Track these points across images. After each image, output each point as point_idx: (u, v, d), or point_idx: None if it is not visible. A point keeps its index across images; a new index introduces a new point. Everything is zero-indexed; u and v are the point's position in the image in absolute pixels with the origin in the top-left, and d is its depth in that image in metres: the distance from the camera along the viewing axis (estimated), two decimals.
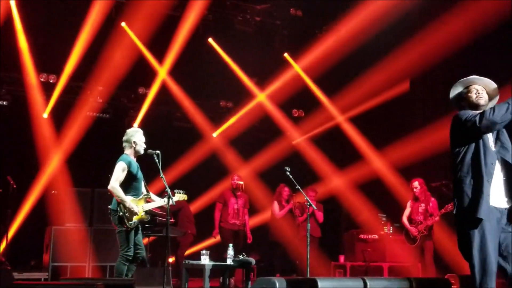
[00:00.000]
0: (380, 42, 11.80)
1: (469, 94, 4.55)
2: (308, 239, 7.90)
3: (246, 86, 13.77)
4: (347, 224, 12.47)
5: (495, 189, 4.25)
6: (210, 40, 13.40)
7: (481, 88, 4.55)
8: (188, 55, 12.69)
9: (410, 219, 9.40)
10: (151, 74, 12.81)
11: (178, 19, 12.37)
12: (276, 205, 10.46)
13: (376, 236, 10.81)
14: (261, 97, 13.73)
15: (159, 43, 12.48)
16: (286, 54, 13.80)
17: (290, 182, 8.12)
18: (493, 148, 4.35)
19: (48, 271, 9.37)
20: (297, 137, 14.09)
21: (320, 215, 10.50)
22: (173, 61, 12.67)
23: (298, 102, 14.13)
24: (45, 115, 11.86)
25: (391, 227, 10.68)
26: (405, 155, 11.54)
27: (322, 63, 12.89)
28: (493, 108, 4.20)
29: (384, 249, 10.60)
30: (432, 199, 9.36)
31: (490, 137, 4.38)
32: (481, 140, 4.31)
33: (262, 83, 13.80)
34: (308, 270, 7.79)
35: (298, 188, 8.17)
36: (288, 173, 8.04)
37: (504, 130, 4.41)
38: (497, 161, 4.31)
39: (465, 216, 4.24)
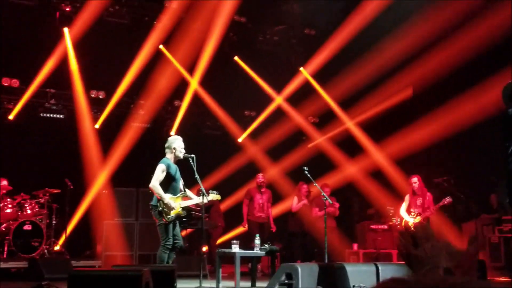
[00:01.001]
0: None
1: None
2: (326, 230, 7.87)
3: (267, 97, 13.76)
4: (358, 216, 12.38)
5: None
6: (236, 58, 13.43)
7: None
8: (216, 71, 12.75)
9: (408, 212, 9.28)
10: (185, 89, 12.88)
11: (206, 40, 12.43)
12: (295, 200, 10.44)
13: (386, 226, 10.74)
14: (278, 101, 13.73)
15: (191, 62, 12.56)
16: (301, 68, 13.76)
17: (308, 180, 8.12)
18: None
19: (101, 259, 9.44)
20: (313, 140, 14.04)
21: (335, 210, 10.45)
22: (203, 76, 12.78)
23: (312, 109, 14.02)
24: (97, 126, 12.01)
25: (398, 218, 10.57)
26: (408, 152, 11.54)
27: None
28: None
29: (392, 237, 10.51)
30: (428, 193, 9.20)
31: None
32: None
33: (281, 94, 13.76)
34: (326, 257, 7.76)
35: (315, 185, 8.16)
36: (306, 172, 8.01)
37: None
38: None
39: None
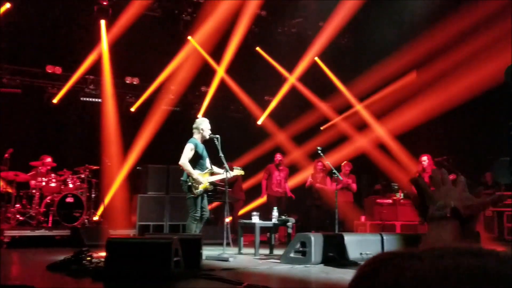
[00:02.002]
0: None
1: None
2: (336, 203, 7.83)
3: (284, 82, 13.68)
4: (367, 191, 12.30)
5: None
6: (258, 48, 13.33)
7: None
8: (240, 60, 12.67)
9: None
10: (211, 76, 12.86)
11: (231, 32, 12.35)
12: (310, 177, 10.42)
13: (390, 201, 10.65)
14: (292, 81, 13.60)
15: (218, 51, 12.52)
16: (316, 58, 13.62)
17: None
18: None
19: (135, 228, 9.53)
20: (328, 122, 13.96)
21: (354, 186, 10.43)
22: (228, 65, 12.72)
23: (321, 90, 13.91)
24: (133, 109, 12.09)
25: (402, 193, 10.49)
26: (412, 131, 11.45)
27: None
28: None
29: (396, 211, 10.44)
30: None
31: None
32: None
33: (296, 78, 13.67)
34: (337, 228, 7.73)
35: (328, 163, 8.11)
36: (320, 152, 7.95)
37: None
38: None
39: None
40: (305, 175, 11.30)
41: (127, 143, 11.41)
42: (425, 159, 9.14)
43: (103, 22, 11.39)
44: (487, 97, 9.14)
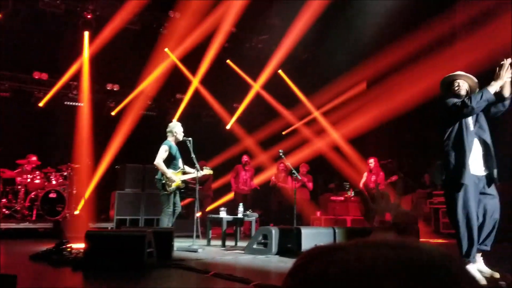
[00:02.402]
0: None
1: (453, 87, 4.28)
2: (295, 200, 7.88)
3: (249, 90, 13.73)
4: (322, 189, 12.45)
5: (474, 160, 4.04)
6: (228, 61, 13.33)
7: (462, 82, 4.27)
8: (212, 70, 12.65)
9: (365, 186, 9.36)
10: (185, 84, 12.78)
11: (205, 46, 12.33)
12: (273, 176, 10.48)
13: (342, 198, 10.80)
14: (256, 88, 13.65)
15: (192, 62, 12.46)
16: (280, 71, 13.72)
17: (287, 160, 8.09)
18: (472, 129, 4.11)
19: (113, 222, 9.37)
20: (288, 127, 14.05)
21: (310, 185, 10.51)
22: (202, 75, 12.69)
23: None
24: (113, 113, 11.89)
25: (352, 192, 10.66)
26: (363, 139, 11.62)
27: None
28: (470, 97, 3.99)
29: (347, 207, 10.59)
30: (381, 172, 9.31)
31: (470, 120, 4.13)
32: (463, 123, 4.08)
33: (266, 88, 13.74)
34: (295, 222, 7.78)
35: (288, 164, 8.16)
36: (281, 154, 8.00)
37: (482, 114, 4.17)
38: (476, 139, 4.09)
39: (452, 181, 4.03)
40: (268, 175, 11.34)
41: (107, 144, 11.23)
42: (371, 161, 9.31)
43: (86, 34, 11.19)
44: (426, 107, 9.39)
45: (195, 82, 12.73)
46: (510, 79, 3.99)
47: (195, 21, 11.95)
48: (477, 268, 3.94)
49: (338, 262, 0.50)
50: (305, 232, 6.50)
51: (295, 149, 12.38)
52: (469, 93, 4.23)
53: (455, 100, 4.12)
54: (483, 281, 3.69)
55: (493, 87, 3.97)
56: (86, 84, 11.39)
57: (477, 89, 4.28)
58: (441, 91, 4.43)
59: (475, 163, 4.04)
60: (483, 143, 4.09)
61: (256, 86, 13.53)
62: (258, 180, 11.65)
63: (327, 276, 0.50)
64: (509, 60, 3.99)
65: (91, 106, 11.58)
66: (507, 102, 4.08)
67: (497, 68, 4.02)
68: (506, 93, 4.01)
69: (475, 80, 4.33)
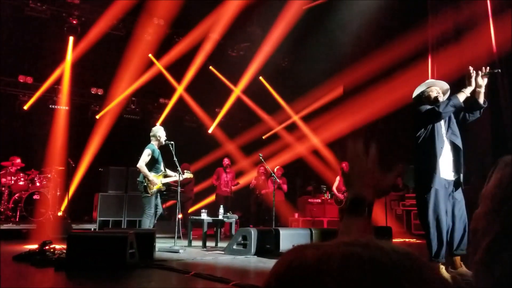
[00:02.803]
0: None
1: (431, 93, 4.30)
2: (274, 202, 7.93)
3: (232, 97, 13.75)
4: (300, 191, 12.52)
5: (445, 165, 4.09)
6: (211, 67, 13.34)
7: (434, 88, 4.34)
8: (196, 77, 12.64)
9: (337, 189, 9.42)
10: (169, 89, 12.74)
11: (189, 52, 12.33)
12: (253, 179, 10.48)
13: (319, 200, 10.89)
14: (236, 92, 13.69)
15: (176, 68, 12.43)
16: (261, 77, 13.79)
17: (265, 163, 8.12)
18: (444, 135, 4.16)
19: (96, 223, 9.27)
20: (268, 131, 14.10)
21: (285, 187, 10.53)
22: (185, 80, 12.66)
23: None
24: (97, 116, 11.77)
25: (329, 194, 10.74)
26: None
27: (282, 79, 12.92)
28: (439, 104, 4.06)
29: (324, 209, 10.69)
30: None
31: (443, 126, 4.19)
32: (435, 129, 4.13)
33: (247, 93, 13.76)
34: (274, 223, 7.83)
35: (267, 168, 8.20)
36: (261, 158, 8.04)
37: (454, 120, 4.23)
38: (448, 144, 4.14)
39: (423, 185, 4.08)
40: (249, 179, 11.34)
41: (91, 146, 11.10)
42: (344, 165, 9.36)
43: (71, 39, 11.07)
44: (399, 114, 9.54)
45: (179, 89, 12.70)
46: (483, 89, 4.06)
47: (180, 28, 11.98)
48: (460, 273, 3.98)
49: (310, 258, 0.53)
50: (283, 233, 6.54)
51: (275, 154, 12.43)
52: (441, 98, 4.31)
53: (428, 107, 4.20)
54: (450, 281, 3.74)
55: (462, 94, 4.06)
56: (65, 88, 11.20)
57: (447, 94, 4.37)
58: (414, 99, 4.48)
59: (445, 168, 4.10)
60: (454, 148, 4.16)
61: (237, 91, 13.58)
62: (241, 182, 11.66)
63: (302, 269, 0.52)
64: (482, 69, 4.06)
65: (75, 109, 11.46)
66: (481, 111, 4.17)
67: (466, 76, 4.10)
68: (481, 101, 4.10)
69: (446, 85, 4.41)
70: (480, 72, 4.05)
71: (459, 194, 4.14)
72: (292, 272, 0.53)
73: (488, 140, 8.33)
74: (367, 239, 0.55)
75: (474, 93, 4.12)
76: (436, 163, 4.03)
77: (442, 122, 4.19)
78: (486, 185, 0.89)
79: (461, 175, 4.14)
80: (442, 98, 4.30)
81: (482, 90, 4.07)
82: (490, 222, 0.82)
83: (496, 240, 0.79)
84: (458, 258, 4.07)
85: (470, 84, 4.06)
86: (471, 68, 4.08)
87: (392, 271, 0.50)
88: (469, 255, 0.94)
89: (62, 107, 11.30)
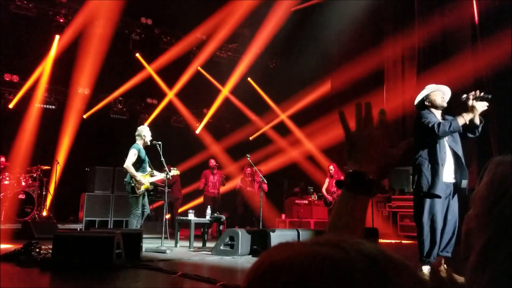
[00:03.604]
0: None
1: (435, 97, 4.29)
2: (262, 202, 7.95)
3: (221, 98, 13.76)
4: (287, 193, 12.54)
5: (446, 169, 4.12)
6: (199, 68, 13.32)
7: (443, 92, 4.34)
8: (183, 78, 12.65)
9: (326, 190, 9.47)
10: (156, 89, 12.69)
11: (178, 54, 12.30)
12: (240, 180, 10.48)
13: (306, 201, 10.93)
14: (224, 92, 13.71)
15: (165, 69, 12.40)
16: (249, 78, 13.84)
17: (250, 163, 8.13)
18: (445, 141, 4.18)
19: (82, 223, 9.19)
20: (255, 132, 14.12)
21: (265, 186, 10.52)
22: (175, 81, 12.67)
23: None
24: (85, 116, 11.68)
25: (316, 195, 10.81)
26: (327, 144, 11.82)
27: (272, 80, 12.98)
28: (439, 124, 4.03)
29: (311, 210, 10.73)
30: (342, 177, 9.41)
31: None
32: None
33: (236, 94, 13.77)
34: (261, 224, 7.84)
35: (255, 168, 8.22)
36: (248, 159, 8.06)
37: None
38: (448, 149, 4.17)
39: (423, 191, 4.09)
40: (236, 181, 11.31)
41: (77, 146, 11.01)
42: (331, 168, 9.40)
43: (57, 37, 10.97)
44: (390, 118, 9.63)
45: (170, 94, 12.68)
46: (482, 109, 4.02)
47: (168, 28, 11.96)
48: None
49: (286, 255, 0.53)
50: (271, 234, 6.56)
51: (264, 156, 12.42)
52: (445, 103, 4.31)
53: (429, 116, 4.18)
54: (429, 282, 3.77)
55: (462, 119, 4.04)
56: (42, 85, 11.02)
57: (449, 94, 4.36)
58: (416, 106, 4.46)
59: (446, 171, 4.14)
60: (455, 154, 4.20)
61: (225, 91, 13.59)
62: (227, 186, 11.64)
63: (277, 266, 0.53)
64: (473, 93, 4.05)
65: (60, 108, 11.34)
66: (479, 129, 4.19)
67: (468, 102, 4.04)
68: (477, 122, 4.10)
69: (448, 90, 4.40)
70: (471, 96, 4.02)
71: (455, 197, 4.18)
72: (261, 271, 0.54)
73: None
74: (339, 239, 0.55)
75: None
76: (438, 169, 4.07)
77: None
78: (478, 186, 0.88)
79: (464, 181, 4.15)
80: (446, 103, 4.30)
81: (477, 112, 4.05)
82: (482, 223, 0.81)
83: (490, 241, 0.78)
84: (441, 259, 4.12)
85: (472, 112, 4.02)
86: (471, 95, 4.05)
87: (349, 273, 0.50)
88: (459, 256, 0.94)
89: (48, 106, 11.18)
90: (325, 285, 0.49)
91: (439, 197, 4.05)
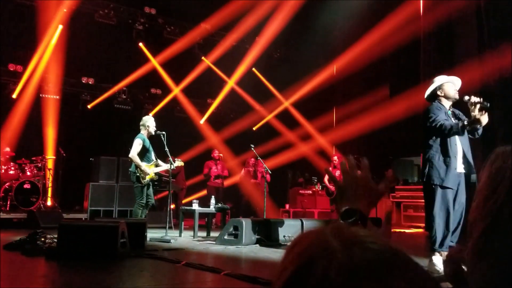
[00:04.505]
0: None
1: (448, 89, 4.26)
2: (266, 193, 7.95)
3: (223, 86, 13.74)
4: (291, 183, 12.55)
5: (456, 159, 4.11)
6: (203, 58, 13.26)
7: (454, 84, 4.30)
8: (187, 68, 12.57)
9: (329, 180, 9.44)
10: (160, 80, 12.66)
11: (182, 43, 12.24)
12: (243, 171, 10.48)
13: (310, 192, 10.93)
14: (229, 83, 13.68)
15: (170, 61, 12.35)
16: (253, 69, 13.78)
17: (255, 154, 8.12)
18: None
19: (87, 213, 9.23)
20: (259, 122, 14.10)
21: (268, 177, 10.53)
22: (178, 73, 12.64)
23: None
24: (89, 106, 11.67)
25: (320, 186, 10.80)
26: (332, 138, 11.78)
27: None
28: (445, 127, 4.00)
29: (315, 200, 10.74)
30: None
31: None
32: None
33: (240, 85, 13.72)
34: (265, 214, 7.86)
35: (259, 158, 8.22)
36: (253, 149, 8.05)
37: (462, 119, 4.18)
38: (459, 141, 4.14)
39: (435, 183, 4.06)
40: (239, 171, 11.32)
41: (81, 136, 11.03)
42: (335, 158, 9.38)
43: (60, 27, 10.93)
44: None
45: (176, 90, 12.64)
46: (485, 123, 3.98)
47: (172, 18, 11.90)
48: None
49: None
50: (274, 223, 6.57)
51: (270, 148, 12.39)
52: (457, 95, 4.28)
53: (436, 114, 4.14)
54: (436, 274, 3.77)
55: (467, 125, 4.01)
56: (54, 77, 11.05)
57: (459, 85, 4.31)
58: (429, 93, 4.41)
59: (457, 162, 4.13)
60: (464, 145, 4.18)
61: (230, 83, 13.54)
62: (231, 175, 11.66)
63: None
64: (475, 99, 3.99)
65: (66, 98, 11.35)
66: (480, 131, 4.17)
67: (472, 107, 3.96)
68: (478, 125, 4.07)
69: (459, 80, 4.35)
70: (470, 100, 3.96)
71: (462, 187, 4.15)
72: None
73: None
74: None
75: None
76: (450, 162, 4.05)
77: (453, 119, 4.18)
78: (480, 178, 0.91)
79: (473, 176, 4.14)
80: (458, 95, 4.26)
81: (479, 124, 4.02)
82: (480, 214, 0.84)
83: (486, 231, 0.81)
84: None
85: (476, 123, 3.98)
86: (475, 99, 3.98)
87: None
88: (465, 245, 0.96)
89: (53, 96, 11.18)
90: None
91: (452, 188, 4.03)
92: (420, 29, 9.58)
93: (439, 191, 4.05)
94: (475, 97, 3.99)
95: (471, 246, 0.83)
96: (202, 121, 13.50)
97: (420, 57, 9.64)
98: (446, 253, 4.06)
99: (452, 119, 4.24)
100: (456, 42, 8.84)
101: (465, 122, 4.02)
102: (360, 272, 0.51)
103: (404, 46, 9.87)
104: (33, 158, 9.33)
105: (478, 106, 3.96)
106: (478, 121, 3.96)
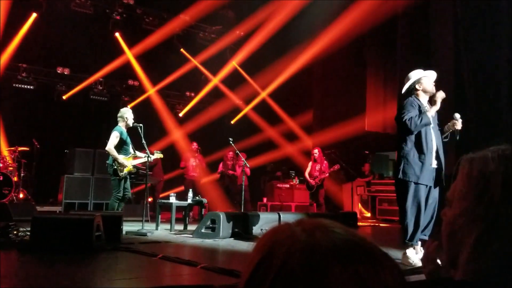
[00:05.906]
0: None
1: (426, 85, 4.26)
2: (243, 186, 7.95)
3: (205, 81, 13.63)
4: (269, 176, 12.57)
5: (429, 154, 4.13)
6: (182, 50, 13.13)
7: (431, 79, 4.31)
8: (165, 60, 12.42)
9: (309, 174, 9.50)
10: (138, 71, 12.50)
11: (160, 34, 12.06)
12: (221, 164, 10.48)
13: (288, 185, 10.99)
14: (215, 81, 13.67)
15: (149, 52, 12.18)
16: (234, 62, 13.72)
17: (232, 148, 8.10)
18: (431, 128, 4.17)
19: (61, 205, 9.06)
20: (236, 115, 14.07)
21: (247, 170, 10.52)
22: (153, 63, 12.45)
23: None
24: (64, 97, 11.44)
25: (297, 179, 10.86)
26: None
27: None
28: (411, 120, 4.04)
29: (292, 193, 10.80)
30: (325, 162, 9.46)
31: (430, 118, 4.15)
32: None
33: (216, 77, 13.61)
34: (243, 207, 7.87)
35: (237, 152, 8.21)
36: (231, 142, 8.03)
37: (436, 117, 4.25)
38: (433, 137, 4.17)
39: (409, 180, 4.08)
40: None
41: (57, 127, 10.81)
42: (316, 151, 9.42)
43: (34, 15, 10.65)
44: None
45: (152, 90, 12.48)
46: (459, 128, 4.13)
47: (151, 8, 11.73)
48: (420, 258, 4.07)
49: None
50: (252, 217, 6.58)
51: (248, 142, 12.38)
52: (433, 87, 4.33)
53: (408, 111, 4.16)
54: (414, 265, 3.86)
55: (430, 113, 4.11)
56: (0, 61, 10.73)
57: (435, 76, 4.38)
58: (407, 88, 4.41)
59: (432, 157, 4.16)
60: (438, 140, 4.23)
61: (216, 80, 13.49)
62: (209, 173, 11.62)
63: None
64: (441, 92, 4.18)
65: (40, 89, 11.11)
66: (458, 135, 4.24)
67: (436, 97, 4.17)
68: (458, 127, 4.17)
69: (435, 74, 4.39)
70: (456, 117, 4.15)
71: (437, 183, 4.19)
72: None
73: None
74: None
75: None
76: (425, 158, 4.09)
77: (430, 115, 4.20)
78: (453, 185, 0.89)
79: (442, 173, 4.20)
80: (434, 89, 4.32)
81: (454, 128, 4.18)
82: (470, 219, 0.83)
83: (482, 236, 0.80)
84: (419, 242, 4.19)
85: (437, 106, 4.15)
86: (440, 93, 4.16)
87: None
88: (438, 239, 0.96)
89: (27, 86, 10.91)
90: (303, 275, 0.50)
91: (425, 185, 4.09)
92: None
93: (412, 186, 4.09)
94: (458, 114, 4.18)
95: (468, 251, 0.82)
96: (181, 114, 13.40)
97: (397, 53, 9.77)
98: (418, 246, 4.16)
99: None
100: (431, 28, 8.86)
101: (429, 110, 4.13)
102: (324, 251, 0.51)
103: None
104: (6, 149, 9.10)
105: (460, 121, 4.13)
106: (458, 131, 4.12)
